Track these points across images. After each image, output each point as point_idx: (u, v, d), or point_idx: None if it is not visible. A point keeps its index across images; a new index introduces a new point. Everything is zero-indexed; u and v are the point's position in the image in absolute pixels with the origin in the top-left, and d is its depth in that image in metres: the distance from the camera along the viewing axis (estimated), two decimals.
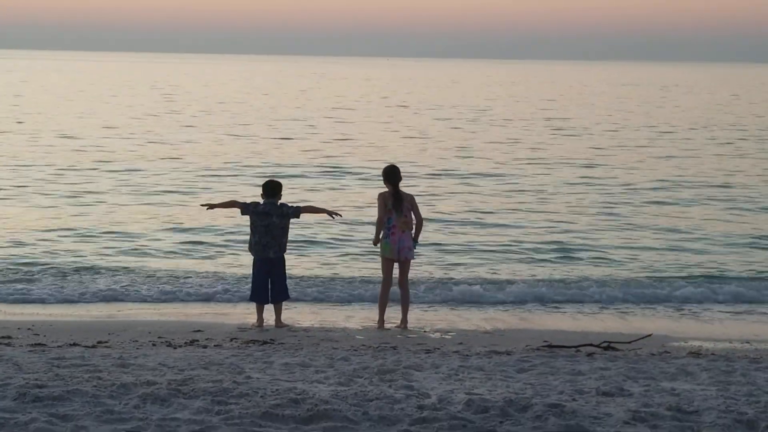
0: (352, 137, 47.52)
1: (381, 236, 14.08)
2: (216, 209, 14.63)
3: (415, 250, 14.26)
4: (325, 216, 14.51)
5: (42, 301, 16.18)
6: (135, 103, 72.37)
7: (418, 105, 78.20)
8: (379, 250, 14.26)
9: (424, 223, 14.64)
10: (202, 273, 18.27)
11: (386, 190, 14.12)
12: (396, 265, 14.18)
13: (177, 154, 38.72)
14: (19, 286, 16.94)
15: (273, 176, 20.57)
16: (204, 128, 51.17)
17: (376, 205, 14.16)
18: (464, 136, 49.79)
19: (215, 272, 18.35)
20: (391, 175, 14.08)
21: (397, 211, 13.99)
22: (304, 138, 46.74)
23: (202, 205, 14.80)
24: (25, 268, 18.20)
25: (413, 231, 14.08)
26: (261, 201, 14.13)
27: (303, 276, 17.91)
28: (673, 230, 23.83)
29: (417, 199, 14.33)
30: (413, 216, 14.07)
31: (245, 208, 14.11)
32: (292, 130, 50.65)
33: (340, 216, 14.56)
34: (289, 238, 14.23)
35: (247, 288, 15.37)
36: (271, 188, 14.15)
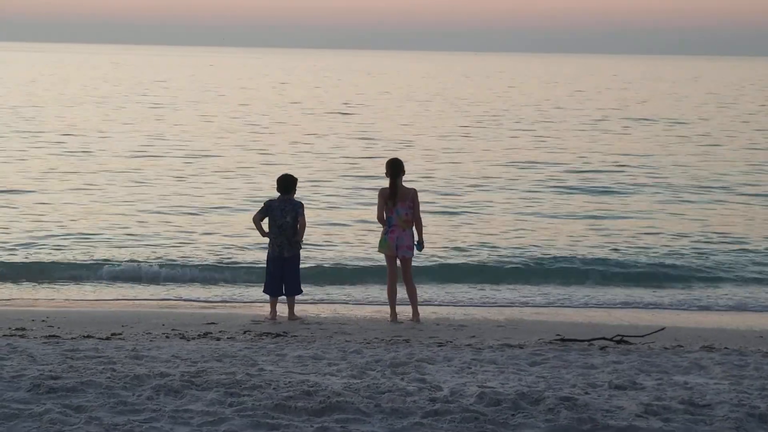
0: None
1: (382, 232, 14.03)
2: (263, 230, 14.16)
3: (418, 252, 14.15)
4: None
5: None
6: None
7: None
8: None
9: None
10: (216, 264, 18.36)
11: (387, 185, 14.00)
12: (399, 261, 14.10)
13: None
14: None
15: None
16: None
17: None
18: None
19: (231, 263, 18.44)
20: (391, 167, 13.92)
21: (396, 208, 13.86)
22: None
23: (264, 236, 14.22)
24: None
25: (414, 230, 13.95)
26: (275, 198, 14.11)
27: (316, 268, 17.98)
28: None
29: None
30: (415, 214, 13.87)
31: (264, 213, 14.02)
32: None
33: (299, 247, 14.20)
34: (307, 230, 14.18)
35: (260, 280, 15.41)
36: (284, 183, 14.13)
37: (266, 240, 14.20)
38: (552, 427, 8.05)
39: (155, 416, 8.07)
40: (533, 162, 36.02)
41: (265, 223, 14.07)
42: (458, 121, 55.31)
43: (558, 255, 19.71)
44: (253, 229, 14.37)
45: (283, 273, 14.05)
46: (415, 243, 13.99)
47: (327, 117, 57.14)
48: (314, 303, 15.81)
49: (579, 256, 19.66)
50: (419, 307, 14.33)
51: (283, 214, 13.95)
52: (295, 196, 14.19)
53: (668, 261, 19.50)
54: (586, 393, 9.10)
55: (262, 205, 14.20)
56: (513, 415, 8.31)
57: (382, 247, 14.03)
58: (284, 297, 14.22)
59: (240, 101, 70.00)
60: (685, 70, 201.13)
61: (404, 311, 14.32)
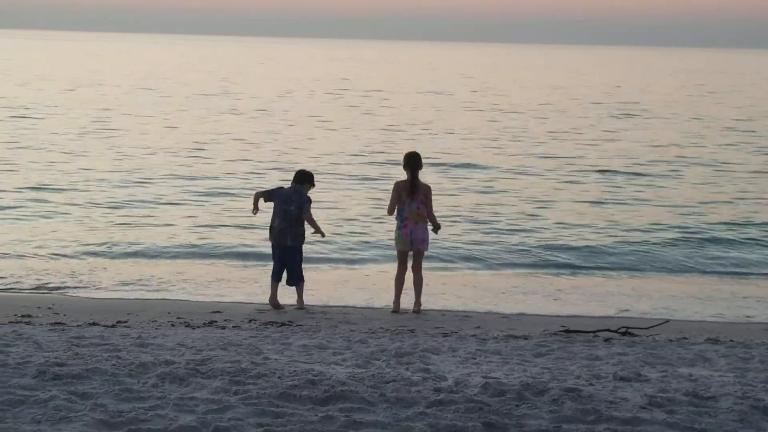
0: None
1: (395, 228, 14.06)
2: (256, 208, 14.33)
3: (435, 235, 14.20)
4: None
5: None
6: None
7: None
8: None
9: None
10: (221, 254, 18.39)
11: (404, 178, 14.02)
12: (411, 252, 14.12)
13: None
14: None
15: None
16: None
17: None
18: None
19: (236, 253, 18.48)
20: (411, 161, 13.97)
21: (411, 202, 13.89)
22: None
23: (253, 213, 14.49)
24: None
25: (428, 223, 14.00)
26: (288, 187, 14.21)
27: (320, 256, 18.01)
28: None
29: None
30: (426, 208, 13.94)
31: (269, 194, 14.14)
32: None
33: (323, 236, 14.42)
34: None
35: (266, 270, 15.42)
36: (299, 176, 14.23)
37: (258, 222, 14.31)
38: (556, 418, 8.06)
39: (160, 404, 8.09)
40: None
41: (269, 207, 14.19)
42: None
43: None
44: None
45: (284, 262, 14.11)
46: (432, 229, 14.05)
47: None
48: (319, 292, 15.80)
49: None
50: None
51: (289, 202, 14.03)
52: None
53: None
54: (591, 384, 9.11)
55: (272, 187, 14.33)
56: (517, 405, 8.32)
57: (398, 243, 14.09)
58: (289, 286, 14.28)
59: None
60: None
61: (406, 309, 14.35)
